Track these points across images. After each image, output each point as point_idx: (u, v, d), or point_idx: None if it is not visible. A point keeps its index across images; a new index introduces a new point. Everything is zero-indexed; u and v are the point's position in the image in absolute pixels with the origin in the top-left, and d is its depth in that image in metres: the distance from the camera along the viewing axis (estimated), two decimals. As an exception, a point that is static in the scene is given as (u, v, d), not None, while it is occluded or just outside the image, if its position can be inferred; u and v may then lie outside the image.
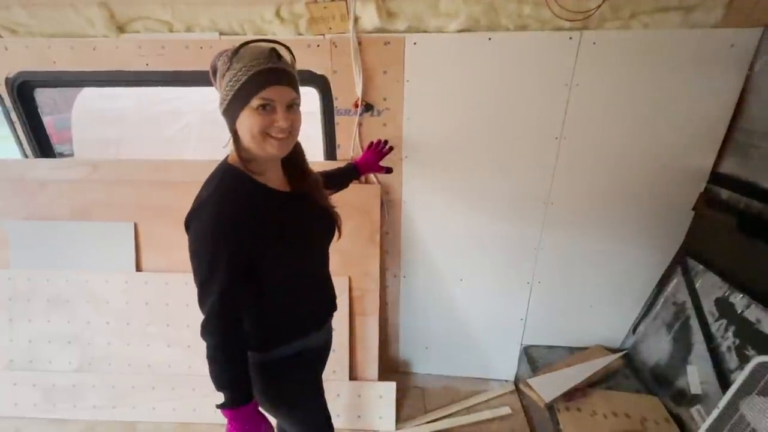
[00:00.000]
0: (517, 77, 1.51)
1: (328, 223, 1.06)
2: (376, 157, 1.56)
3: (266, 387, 1.02)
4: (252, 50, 0.83)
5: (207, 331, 0.88)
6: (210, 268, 0.84)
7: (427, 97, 1.58)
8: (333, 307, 1.17)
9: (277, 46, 0.86)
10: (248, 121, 0.84)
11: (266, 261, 0.90)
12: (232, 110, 0.85)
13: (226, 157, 0.94)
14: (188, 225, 0.87)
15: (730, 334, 1.39)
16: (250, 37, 1.53)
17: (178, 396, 1.82)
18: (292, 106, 0.87)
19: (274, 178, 0.96)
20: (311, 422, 1.16)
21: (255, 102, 0.82)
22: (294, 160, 0.99)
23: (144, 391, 1.84)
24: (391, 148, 1.61)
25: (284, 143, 0.88)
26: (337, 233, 1.08)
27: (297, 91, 0.88)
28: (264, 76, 0.82)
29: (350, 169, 1.45)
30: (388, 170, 1.62)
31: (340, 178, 1.40)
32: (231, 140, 0.90)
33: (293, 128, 0.88)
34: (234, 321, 0.90)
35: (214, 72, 0.87)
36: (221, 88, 0.85)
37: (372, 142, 1.59)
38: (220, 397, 0.92)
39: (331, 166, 1.42)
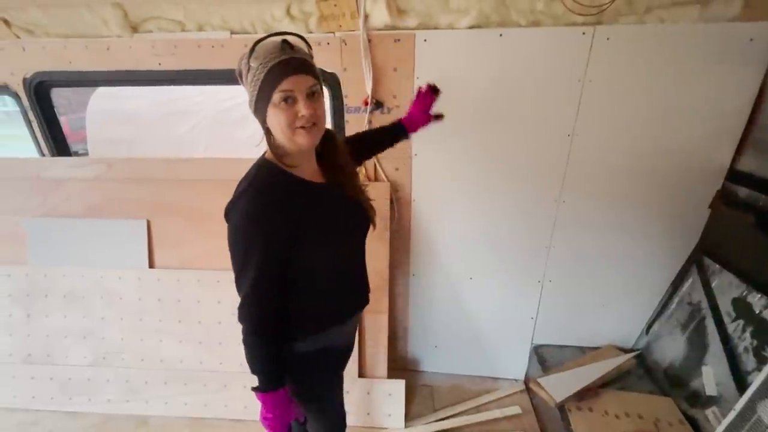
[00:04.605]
0: (528, 73, 1.50)
1: (362, 216, 1.07)
2: (424, 108, 1.32)
3: (289, 379, 1.04)
4: (265, 47, 0.84)
5: (242, 315, 0.93)
6: (245, 256, 0.89)
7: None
8: (365, 299, 1.17)
9: (289, 37, 0.86)
10: (275, 118, 0.86)
11: (299, 251, 0.92)
12: (259, 109, 0.87)
13: (264, 153, 0.97)
14: (227, 215, 0.92)
15: (747, 334, 1.36)
16: (261, 35, 1.53)
17: (190, 391, 1.85)
18: (313, 94, 0.87)
19: (309, 171, 0.98)
20: (325, 418, 1.18)
21: (276, 96, 0.84)
22: (328, 152, 1.01)
23: (156, 385, 1.87)
24: (437, 90, 1.32)
25: (312, 133, 0.89)
26: (372, 225, 1.10)
27: (316, 77, 0.88)
28: (279, 69, 0.82)
29: (396, 127, 1.30)
30: (438, 117, 1.35)
31: (381, 138, 1.30)
32: (264, 137, 0.93)
33: (317, 116, 0.88)
34: (268, 308, 0.93)
35: (241, 76, 0.89)
36: (247, 90, 0.88)
37: (419, 92, 1.33)
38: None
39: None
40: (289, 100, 0.84)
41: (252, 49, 0.84)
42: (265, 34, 0.87)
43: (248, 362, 0.94)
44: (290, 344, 1.01)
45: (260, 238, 0.87)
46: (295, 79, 0.84)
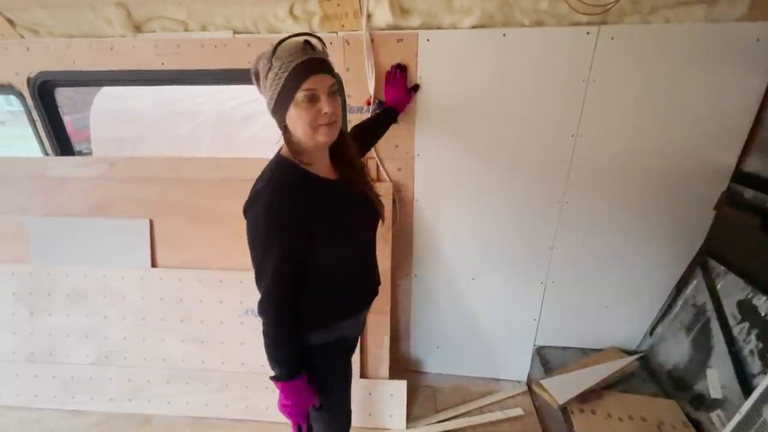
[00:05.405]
0: (532, 73, 1.49)
1: (373, 211, 1.11)
2: (400, 88, 1.51)
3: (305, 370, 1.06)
4: (287, 47, 0.87)
5: (262, 309, 0.97)
6: (264, 252, 0.93)
7: (440, 94, 1.56)
8: (375, 292, 1.20)
9: (309, 38, 0.90)
10: (297, 116, 0.89)
11: (314, 245, 0.96)
12: (280, 108, 0.91)
13: (279, 150, 1.01)
14: (245, 212, 0.95)
15: (752, 337, 1.35)
16: (263, 34, 1.54)
17: (192, 390, 1.85)
18: (334, 92, 0.92)
19: (323, 167, 1.02)
20: (333, 413, 1.20)
21: (300, 95, 0.87)
22: (341, 149, 1.05)
23: (159, 385, 1.87)
24: (404, 69, 1.52)
25: (332, 129, 0.93)
26: (381, 220, 1.13)
27: (335, 77, 0.93)
28: (302, 68, 0.86)
29: (386, 112, 1.47)
30: (415, 87, 1.54)
31: (377, 126, 1.44)
32: (282, 136, 0.96)
33: (337, 114, 0.92)
34: (286, 301, 0.97)
35: (257, 76, 0.92)
36: (267, 90, 0.91)
37: (387, 74, 1.52)
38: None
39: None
40: (312, 98, 0.88)
41: (274, 50, 0.87)
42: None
43: (268, 353, 0.98)
44: (306, 336, 1.04)
45: (278, 234, 0.91)
46: (318, 78, 0.88)
